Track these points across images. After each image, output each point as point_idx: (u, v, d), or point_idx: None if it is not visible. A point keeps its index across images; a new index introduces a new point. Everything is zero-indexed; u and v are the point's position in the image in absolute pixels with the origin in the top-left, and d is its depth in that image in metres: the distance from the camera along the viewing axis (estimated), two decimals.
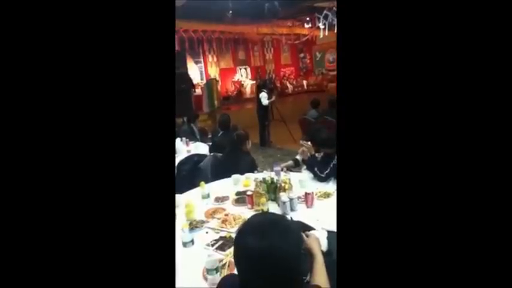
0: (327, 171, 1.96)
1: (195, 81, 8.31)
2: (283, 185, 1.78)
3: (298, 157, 2.41)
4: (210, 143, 3.44)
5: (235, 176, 2.16)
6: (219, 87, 8.76)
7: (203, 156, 2.88)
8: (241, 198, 1.86)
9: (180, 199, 1.87)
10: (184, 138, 3.46)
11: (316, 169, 2.01)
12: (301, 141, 2.24)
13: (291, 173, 2.16)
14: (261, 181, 1.79)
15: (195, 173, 2.65)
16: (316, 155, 2.14)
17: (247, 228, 0.71)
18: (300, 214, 1.60)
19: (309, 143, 2.17)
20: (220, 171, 2.37)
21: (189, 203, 1.70)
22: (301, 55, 12.10)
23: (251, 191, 1.76)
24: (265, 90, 5.60)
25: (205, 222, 1.61)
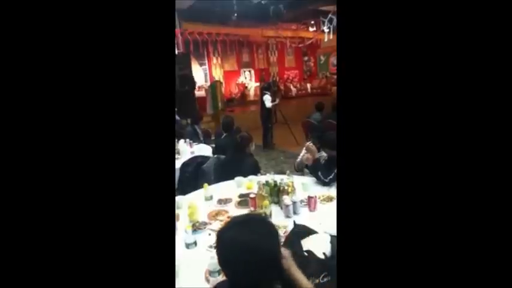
0: (330, 177, 1.95)
1: (199, 83, 8.35)
2: (286, 188, 1.78)
3: (297, 161, 2.40)
4: (214, 145, 3.45)
5: (238, 178, 2.16)
6: (223, 89, 8.79)
7: (206, 158, 2.88)
8: (244, 200, 1.86)
9: (183, 200, 1.87)
10: (187, 140, 3.47)
11: (319, 173, 2.00)
12: (308, 144, 2.23)
13: (294, 176, 2.16)
14: (264, 184, 1.79)
15: (198, 175, 2.65)
16: (321, 160, 2.14)
17: (226, 228, 0.78)
18: (302, 218, 1.59)
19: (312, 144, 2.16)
20: (224, 173, 2.37)
21: (192, 205, 1.70)
22: (306, 58, 12.10)
23: (254, 193, 1.76)
24: (268, 93, 5.61)
25: (208, 224, 1.61)
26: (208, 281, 1.14)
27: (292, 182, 1.87)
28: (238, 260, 0.71)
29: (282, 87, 10.24)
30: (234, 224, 0.79)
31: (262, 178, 1.97)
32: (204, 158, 2.86)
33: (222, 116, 5.48)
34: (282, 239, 1.33)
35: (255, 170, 2.28)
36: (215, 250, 0.78)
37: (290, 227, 1.44)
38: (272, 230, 0.78)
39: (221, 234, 0.77)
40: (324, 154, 2.21)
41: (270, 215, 1.63)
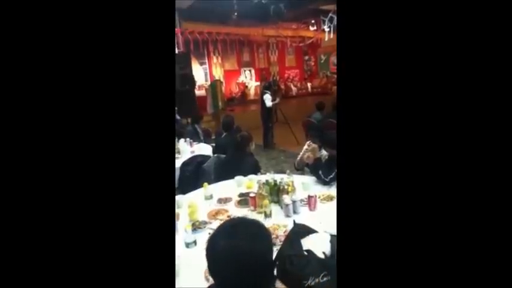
0: (331, 176, 1.95)
1: (199, 82, 8.36)
2: (286, 187, 1.78)
3: (297, 159, 2.39)
4: (214, 144, 3.45)
5: (238, 178, 2.16)
6: (223, 89, 8.80)
7: (207, 157, 2.88)
8: (244, 200, 1.86)
9: (183, 200, 1.87)
10: (188, 139, 3.47)
11: (320, 172, 2.00)
12: (309, 142, 2.22)
13: (294, 176, 2.16)
14: (264, 183, 1.79)
15: (198, 174, 2.65)
16: (322, 158, 2.14)
17: (217, 233, 0.74)
18: (302, 217, 1.59)
19: (313, 144, 2.16)
20: (224, 172, 2.37)
21: (192, 204, 1.70)
22: (306, 57, 12.09)
23: (254, 192, 1.76)
24: (269, 92, 5.61)
25: (208, 223, 1.61)
26: (208, 280, 1.14)
27: (292, 182, 1.87)
28: (227, 268, 0.68)
29: (282, 87, 10.24)
30: (223, 229, 0.75)
31: (262, 177, 1.97)
32: (204, 157, 2.86)
33: (223, 115, 5.49)
34: (282, 239, 1.33)
35: (255, 170, 2.29)
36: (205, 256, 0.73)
37: (290, 226, 1.44)
38: (263, 233, 0.73)
39: (209, 241, 0.73)
40: (324, 153, 2.20)
41: (270, 214, 1.63)
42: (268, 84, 6.01)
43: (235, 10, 6.52)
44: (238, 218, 0.83)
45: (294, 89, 10.82)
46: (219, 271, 0.70)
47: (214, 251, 0.70)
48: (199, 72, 9.02)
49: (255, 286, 0.69)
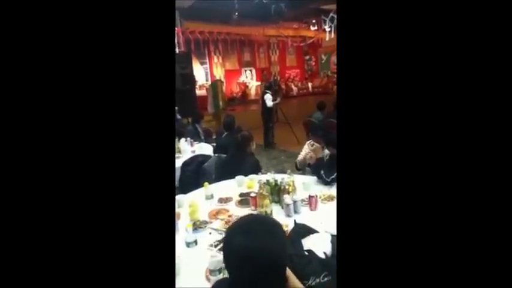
0: (332, 176, 1.95)
1: (200, 82, 8.36)
2: (287, 187, 1.78)
3: (299, 159, 2.39)
4: (215, 144, 3.45)
5: (239, 177, 2.16)
6: (224, 89, 8.81)
7: (207, 157, 2.88)
8: (244, 199, 1.86)
9: (184, 199, 1.87)
10: (189, 139, 3.47)
11: (322, 173, 2.00)
12: (311, 142, 2.22)
13: (295, 176, 2.16)
14: (264, 183, 1.79)
15: (199, 174, 2.65)
16: (324, 157, 2.13)
17: (233, 230, 0.75)
18: (303, 217, 1.59)
19: (317, 144, 2.16)
20: (224, 172, 2.37)
21: (192, 203, 1.70)
22: (307, 57, 12.10)
23: (255, 192, 1.76)
24: (269, 92, 5.60)
25: (208, 223, 1.61)
26: (209, 280, 1.14)
27: (293, 181, 1.87)
28: (244, 262, 0.69)
29: (283, 87, 10.24)
30: (240, 225, 0.76)
31: (263, 177, 1.97)
32: (205, 157, 2.86)
33: (223, 115, 5.49)
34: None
35: (256, 169, 2.28)
36: (222, 249, 0.76)
37: (291, 226, 1.44)
38: (277, 230, 0.75)
39: (226, 237, 0.75)
40: (326, 152, 2.20)
41: (271, 214, 1.63)
42: (269, 84, 6.01)
43: (236, 10, 6.52)
44: (255, 215, 0.85)
45: (294, 88, 10.84)
46: (235, 267, 0.72)
47: (231, 246, 0.72)
48: (200, 72, 9.04)
49: (269, 281, 0.71)
